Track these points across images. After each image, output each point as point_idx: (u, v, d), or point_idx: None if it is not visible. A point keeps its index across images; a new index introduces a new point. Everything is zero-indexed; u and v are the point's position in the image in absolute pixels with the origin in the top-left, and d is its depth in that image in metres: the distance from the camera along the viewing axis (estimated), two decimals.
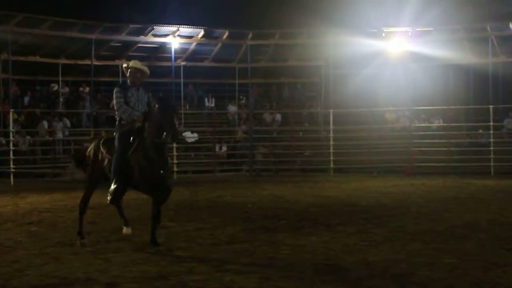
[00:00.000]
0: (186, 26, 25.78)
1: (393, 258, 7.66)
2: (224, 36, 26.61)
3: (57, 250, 8.50)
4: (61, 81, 26.12)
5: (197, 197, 15.53)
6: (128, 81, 8.90)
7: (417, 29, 25.00)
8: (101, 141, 9.12)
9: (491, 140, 22.68)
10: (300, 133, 25.73)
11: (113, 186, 8.61)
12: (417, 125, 24.14)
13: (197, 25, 26.12)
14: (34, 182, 20.89)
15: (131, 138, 8.58)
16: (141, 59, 26.29)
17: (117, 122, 8.92)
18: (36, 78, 26.80)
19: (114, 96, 8.80)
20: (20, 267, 7.44)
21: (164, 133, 8.24)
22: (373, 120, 23.94)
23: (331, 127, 24.00)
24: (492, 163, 22.13)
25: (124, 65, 9.08)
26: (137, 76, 8.85)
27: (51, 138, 22.88)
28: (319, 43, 26.12)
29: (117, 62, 26.29)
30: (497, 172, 21.83)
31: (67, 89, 26.57)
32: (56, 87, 25.92)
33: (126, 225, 9.23)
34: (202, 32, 26.20)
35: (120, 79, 25.79)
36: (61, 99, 25.82)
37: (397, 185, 17.93)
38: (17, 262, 7.74)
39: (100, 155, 8.96)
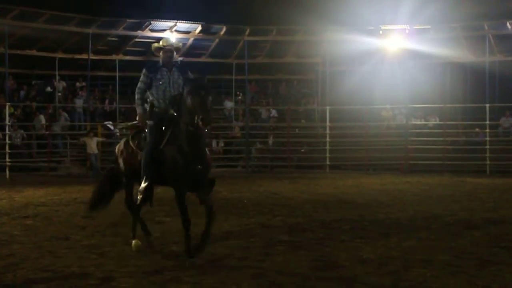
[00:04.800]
0: (184, 21, 25.70)
1: (388, 255, 7.67)
2: (222, 32, 26.55)
3: (53, 244, 8.49)
4: (58, 75, 26.09)
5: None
6: (160, 61, 8.00)
7: (414, 27, 24.97)
8: (130, 137, 8.28)
9: (487, 138, 22.72)
10: (297, 129, 25.73)
11: (143, 185, 7.65)
12: (414, 123, 24.15)
13: (195, 21, 26.05)
14: (30, 176, 20.87)
15: (163, 128, 7.61)
16: (138, 54, 26.41)
17: (148, 109, 7.98)
18: (33, 72, 26.76)
19: (140, 78, 7.97)
20: (15, 260, 7.44)
21: (196, 117, 7.14)
22: (369, 118, 23.95)
23: (328, 124, 24.03)
24: (488, 162, 22.16)
25: (156, 44, 8.09)
26: (171, 56, 7.96)
27: (47, 132, 22.84)
28: (316, 40, 26.10)
29: (114, 57, 26.32)
30: (493, 170, 21.89)
31: (64, 84, 26.51)
32: (50, 89, 25.93)
33: (149, 234, 8.30)
34: (199, 28, 26.14)
35: (117, 74, 25.82)
36: (58, 94, 25.78)
37: (392, 183, 17.96)
38: (12, 255, 7.73)
39: (130, 151, 8.09)
